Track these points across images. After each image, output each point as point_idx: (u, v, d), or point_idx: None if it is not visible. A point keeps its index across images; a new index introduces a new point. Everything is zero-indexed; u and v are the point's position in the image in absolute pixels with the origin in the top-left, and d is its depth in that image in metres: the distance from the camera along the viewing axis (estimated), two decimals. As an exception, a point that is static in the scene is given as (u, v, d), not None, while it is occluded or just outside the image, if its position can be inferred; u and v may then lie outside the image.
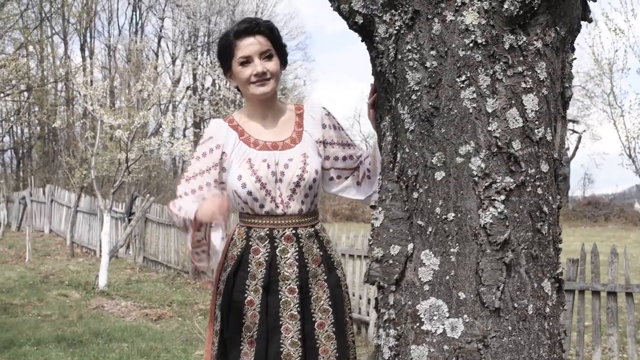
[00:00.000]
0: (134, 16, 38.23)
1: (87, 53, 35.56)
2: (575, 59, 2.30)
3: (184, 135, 32.12)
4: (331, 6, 2.36)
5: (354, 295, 8.69)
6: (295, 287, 2.84)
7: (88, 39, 36.25)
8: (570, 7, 2.19)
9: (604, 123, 36.46)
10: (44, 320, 8.88)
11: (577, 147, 37.52)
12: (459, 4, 2.07)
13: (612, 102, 11.32)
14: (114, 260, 14.21)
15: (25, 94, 27.47)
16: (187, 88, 35.23)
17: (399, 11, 2.15)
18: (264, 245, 2.87)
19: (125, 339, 7.86)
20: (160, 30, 37.93)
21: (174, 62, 37.31)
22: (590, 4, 2.33)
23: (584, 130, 37.15)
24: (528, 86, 2.09)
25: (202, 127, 33.61)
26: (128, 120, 12.03)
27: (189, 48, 37.73)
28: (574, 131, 37.86)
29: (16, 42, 28.64)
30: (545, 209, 2.14)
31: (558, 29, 2.15)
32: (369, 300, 8.49)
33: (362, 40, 2.37)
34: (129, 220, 14.77)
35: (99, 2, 36.44)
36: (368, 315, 8.32)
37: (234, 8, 36.80)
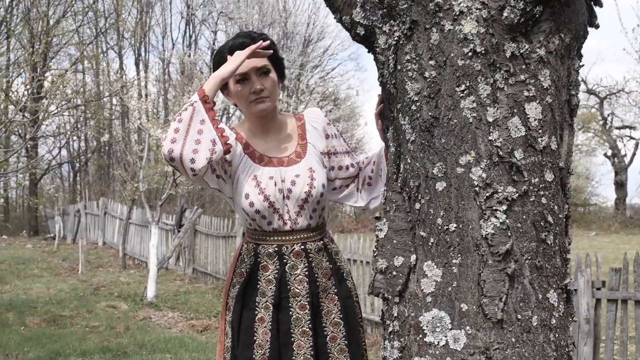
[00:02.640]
0: (187, 30, 38.66)
1: (141, 67, 36.13)
2: (582, 65, 2.26)
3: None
4: (334, 17, 2.37)
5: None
6: (306, 303, 2.82)
7: (142, 53, 36.86)
8: (575, 13, 2.16)
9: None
10: (92, 332, 9.00)
11: (634, 154, 36.85)
12: (457, 13, 2.05)
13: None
14: (163, 272, 14.37)
15: (82, 107, 27.94)
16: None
17: (398, 22, 2.15)
18: (273, 262, 2.85)
19: (168, 349, 7.93)
20: (214, 43, 38.25)
21: (227, 75, 37.57)
22: (597, 10, 2.29)
23: (643, 137, 36.48)
24: (531, 94, 2.06)
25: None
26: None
27: (241, 60, 37.98)
28: (631, 137, 37.26)
29: (71, 58, 29.15)
30: (550, 218, 2.11)
31: (562, 35, 2.12)
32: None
33: (368, 52, 2.37)
34: (179, 232, 14.91)
35: (152, 16, 37.02)
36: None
37: (286, 20, 36.92)
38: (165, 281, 13.91)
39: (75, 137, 34.01)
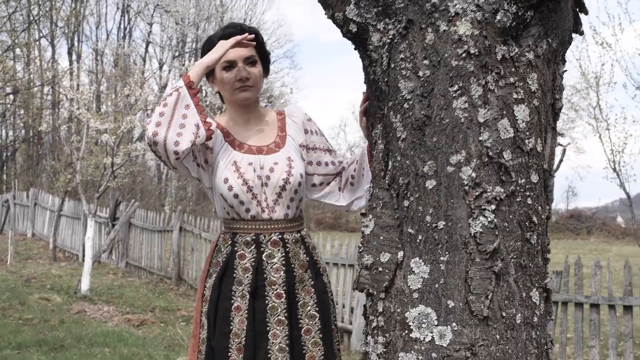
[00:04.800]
0: (122, 21, 38.05)
1: (74, 57, 35.48)
2: (566, 70, 2.32)
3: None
4: (325, 14, 2.38)
5: (337, 304, 8.72)
6: (282, 292, 2.84)
7: (75, 43, 36.15)
8: (562, 19, 2.21)
9: (588, 136, 36.61)
10: (25, 324, 8.81)
11: (561, 160, 37.58)
12: (453, 15, 2.09)
13: (598, 115, 11.38)
14: (96, 265, 14.15)
15: (11, 96, 27.34)
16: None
17: (393, 20, 2.17)
18: (250, 251, 2.86)
19: (107, 344, 7.82)
20: (148, 36, 37.85)
21: (161, 68, 37.19)
22: (582, 17, 2.35)
23: (569, 143, 37.23)
24: (519, 97, 2.11)
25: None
26: (115, 125, 12.01)
27: (177, 54, 37.69)
28: (559, 144, 38.03)
29: (3, 45, 28.49)
30: (535, 219, 2.16)
31: (550, 40, 2.17)
32: (352, 309, 8.51)
33: (355, 49, 2.39)
34: (113, 225, 14.71)
35: (87, 6, 36.36)
36: (351, 324, 8.33)
37: (222, 15, 36.78)
38: (98, 274, 13.69)
39: (3, 127, 33.24)
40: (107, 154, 12.27)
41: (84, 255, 12.29)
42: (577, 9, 2.32)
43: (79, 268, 13.63)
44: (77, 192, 13.19)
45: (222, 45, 2.79)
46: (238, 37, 2.80)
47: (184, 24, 36.26)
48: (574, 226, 33.25)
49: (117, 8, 37.32)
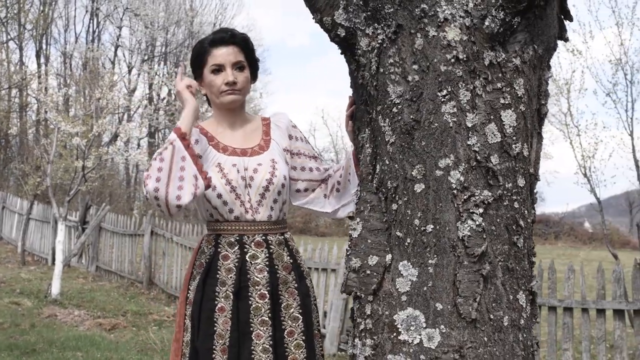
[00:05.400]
0: (91, 24, 37.70)
1: (42, 60, 35.14)
2: (551, 76, 2.35)
3: (139, 145, 31.76)
4: (313, 18, 2.39)
5: (312, 308, 8.72)
6: (266, 292, 2.84)
7: (44, 46, 35.82)
8: (547, 26, 2.24)
9: (555, 142, 36.87)
10: (-5, 329, 8.74)
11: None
12: (442, 20, 2.11)
13: (569, 121, 11.51)
14: (66, 269, 14.03)
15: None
16: (145, 98, 34.87)
17: (382, 25, 2.19)
18: (234, 251, 2.87)
19: (79, 348, 7.76)
20: (117, 39, 37.55)
21: (130, 72, 36.97)
22: (567, 23, 2.38)
23: (537, 149, 37.55)
24: (506, 102, 2.14)
25: (157, 137, 33.35)
26: (86, 128, 11.94)
27: (146, 57, 37.49)
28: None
29: (-31, 47, 28.19)
30: (521, 222, 2.18)
31: (536, 47, 2.20)
32: (325, 313, 8.52)
33: (341, 53, 2.40)
34: (83, 229, 14.60)
35: (55, 9, 36.06)
36: (324, 327, 8.34)
37: (192, 19, 36.67)
38: (68, 278, 13.58)
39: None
40: (78, 158, 12.19)
41: (53, 259, 12.19)
42: (562, 16, 2.36)
43: (49, 272, 13.52)
44: (46, 196, 13.07)
45: (183, 86, 2.86)
46: (187, 81, 2.89)
47: (154, 27, 36.04)
48: (542, 231, 33.49)
49: (86, 11, 36.99)
